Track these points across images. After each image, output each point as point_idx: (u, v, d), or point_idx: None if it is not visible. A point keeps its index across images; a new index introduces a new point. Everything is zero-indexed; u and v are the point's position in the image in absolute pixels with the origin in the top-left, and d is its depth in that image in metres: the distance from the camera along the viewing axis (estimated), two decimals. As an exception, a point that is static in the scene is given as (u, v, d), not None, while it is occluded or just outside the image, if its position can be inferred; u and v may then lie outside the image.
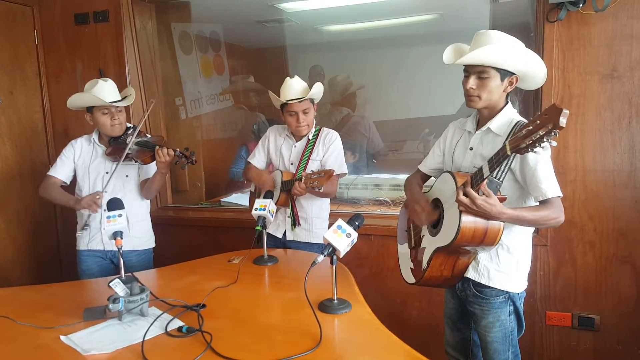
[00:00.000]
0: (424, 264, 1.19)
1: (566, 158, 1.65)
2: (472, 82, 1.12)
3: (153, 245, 1.78)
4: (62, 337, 1.01)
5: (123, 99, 1.67)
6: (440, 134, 1.35)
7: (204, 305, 1.12)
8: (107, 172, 1.65)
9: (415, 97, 3.09)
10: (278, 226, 1.71)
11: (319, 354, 0.91)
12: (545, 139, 0.91)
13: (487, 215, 1.04)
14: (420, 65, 2.92)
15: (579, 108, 1.62)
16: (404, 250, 1.36)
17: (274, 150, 1.73)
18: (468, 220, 1.06)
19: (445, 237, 1.12)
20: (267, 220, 1.43)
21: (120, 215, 1.19)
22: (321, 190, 1.49)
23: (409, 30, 3.00)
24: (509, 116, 1.15)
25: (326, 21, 3.01)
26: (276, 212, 1.50)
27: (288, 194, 1.61)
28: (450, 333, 1.36)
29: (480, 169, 1.04)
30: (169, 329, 1.02)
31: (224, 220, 2.18)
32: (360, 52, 3.14)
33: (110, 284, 1.07)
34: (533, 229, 1.23)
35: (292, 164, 1.68)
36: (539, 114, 0.93)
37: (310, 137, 1.68)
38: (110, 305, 1.04)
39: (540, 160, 1.08)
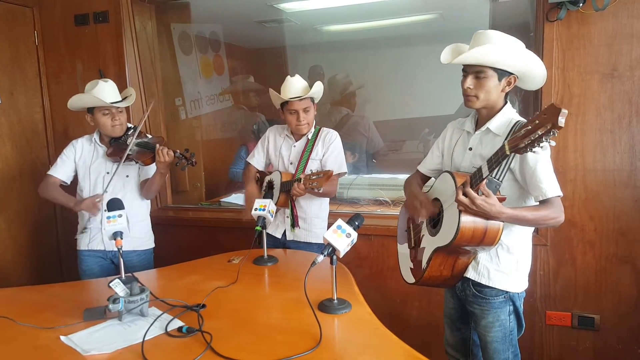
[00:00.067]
0: (424, 264, 1.19)
1: (566, 158, 1.65)
2: (470, 81, 1.12)
3: (153, 245, 1.78)
4: (62, 338, 1.01)
5: (123, 99, 1.67)
6: (440, 133, 1.35)
7: (204, 306, 1.12)
8: (107, 173, 1.65)
9: (415, 97, 3.09)
10: (277, 226, 1.71)
11: (319, 354, 0.91)
12: (544, 139, 0.91)
13: (486, 215, 1.04)
14: (420, 65, 2.92)
15: (579, 107, 1.62)
16: (403, 250, 1.36)
17: (273, 150, 1.73)
18: (467, 220, 1.06)
19: (444, 237, 1.12)
20: (266, 221, 1.43)
21: (120, 215, 1.19)
22: (320, 191, 1.49)
23: (409, 30, 3.00)
24: (508, 116, 1.15)
25: (326, 21, 3.01)
26: (275, 212, 1.51)
27: (287, 194, 1.61)
28: (450, 333, 1.36)
29: (480, 169, 1.04)
30: (169, 329, 1.02)
31: (223, 221, 2.18)
32: (360, 52, 3.14)
33: (110, 284, 1.07)
34: (533, 228, 1.23)
35: (291, 163, 1.68)
36: (537, 114, 0.93)
37: (310, 137, 1.68)
38: (110, 306, 1.04)
39: (540, 160, 1.08)
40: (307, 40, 3.23)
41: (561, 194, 1.09)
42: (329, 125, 1.83)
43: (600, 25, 1.56)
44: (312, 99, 1.63)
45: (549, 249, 1.70)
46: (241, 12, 2.81)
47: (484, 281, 1.18)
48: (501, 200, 1.04)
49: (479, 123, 1.21)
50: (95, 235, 1.68)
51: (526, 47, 1.13)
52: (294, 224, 1.66)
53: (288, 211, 1.67)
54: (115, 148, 1.65)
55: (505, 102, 1.18)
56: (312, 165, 1.66)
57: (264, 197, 1.52)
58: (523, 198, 1.15)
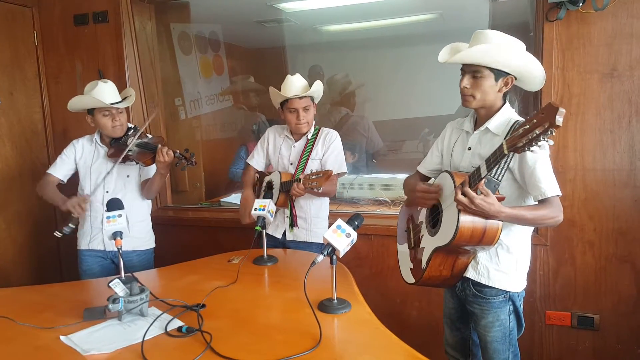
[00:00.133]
0: (423, 264, 1.19)
1: (566, 157, 1.65)
2: (466, 81, 1.13)
3: (153, 245, 1.78)
4: (62, 337, 1.01)
5: (123, 99, 1.67)
6: (439, 133, 1.35)
7: (203, 305, 1.12)
8: (108, 173, 1.65)
9: (414, 96, 3.09)
10: (277, 226, 1.71)
11: (319, 353, 0.91)
12: (541, 138, 0.90)
13: (485, 215, 1.04)
14: (420, 65, 2.92)
15: (578, 107, 1.62)
16: (403, 250, 1.36)
17: (273, 151, 1.73)
18: (466, 219, 1.06)
19: (444, 236, 1.13)
20: (266, 220, 1.43)
21: (120, 215, 1.19)
22: (320, 191, 1.49)
23: (409, 30, 3.00)
24: (507, 116, 1.15)
25: (325, 21, 3.01)
26: (275, 212, 1.51)
27: (287, 194, 1.61)
28: (450, 333, 1.36)
29: (478, 169, 1.05)
30: (168, 329, 1.02)
31: (223, 221, 2.18)
32: (360, 51, 3.13)
33: (110, 284, 1.07)
34: (532, 228, 1.23)
35: (291, 163, 1.69)
36: (535, 113, 0.93)
37: (310, 137, 1.68)
38: (110, 306, 1.05)
39: (539, 160, 1.08)
40: (307, 40, 3.23)
41: (560, 193, 1.09)
42: (329, 125, 1.83)
43: (599, 25, 1.56)
44: (312, 99, 1.63)
45: (548, 249, 1.70)
46: (241, 12, 2.81)
47: (483, 281, 1.18)
48: (500, 199, 1.04)
49: (477, 123, 1.21)
50: (96, 235, 1.68)
51: (526, 47, 1.13)
52: (293, 224, 1.66)
53: (287, 211, 1.67)
54: (116, 149, 1.65)
55: (504, 102, 1.18)
56: (312, 165, 1.66)
57: (264, 197, 1.52)
58: (522, 197, 1.15)
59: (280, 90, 1.60)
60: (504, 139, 1.02)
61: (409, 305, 1.91)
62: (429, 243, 1.19)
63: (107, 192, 1.65)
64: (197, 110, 2.80)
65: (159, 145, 1.57)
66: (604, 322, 1.68)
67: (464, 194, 1.03)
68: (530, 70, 1.11)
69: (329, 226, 1.09)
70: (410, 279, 1.28)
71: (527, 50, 1.13)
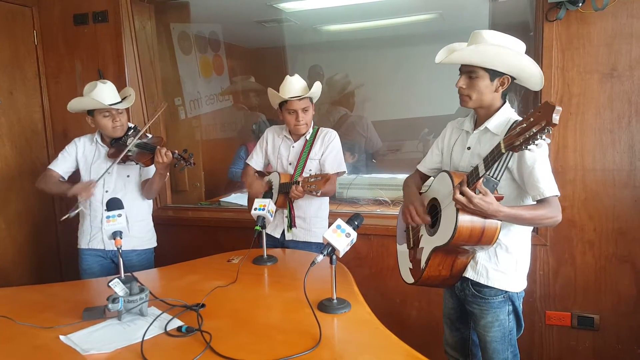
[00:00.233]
0: (422, 264, 1.19)
1: (566, 157, 1.65)
2: (462, 81, 1.14)
3: (154, 245, 1.79)
4: (61, 337, 1.01)
5: (123, 99, 1.67)
6: (439, 133, 1.35)
7: (203, 305, 1.12)
8: (109, 173, 1.65)
9: (414, 96, 3.09)
10: (276, 226, 1.71)
11: (319, 353, 0.91)
12: (538, 136, 0.91)
13: (483, 214, 1.04)
14: (420, 65, 2.92)
15: (578, 107, 1.62)
16: (402, 250, 1.36)
17: (271, 151, 1.73)
18: (465, 219, 1.06)
19: (442, 236, 1.13)
20: (266, 220, 1.43)
21: (120, 215, 1.19)
22: (318, 194, 1.50)
23: (408, 30, 3.00)
24: (507, 115, 1.16)
25: (325, 21, 3.00)
26: (274, 212, 1.51)
27: (286, 196, 1.61)
28: (449, 333, 1.36)
29: (476, 168, 1.05)
30: (168, 329, 1.02)
31: (223, 220, 2.18)
32: (360, 51, 3.13)
33: (110, 284, 1.07)
34: (532, 228, 1.23)
35: (290, 163, 1.69)
36: (532, 112, 0.93)
37: (308, 138, 1.68)
38: (110, 305, 1.05)
39: (538, 159, 1.08)
40: (307, 40, 3.23)
41: (559, 193, 1.09)
42: (328, 125, 1.83)
43: (599, 25, 1.56)
44: (310, 99, 1.63)
45: (548, 249, 1.70)
46: (241, 11, 2.81)
47: (482, 281, 1.18)
48: (499, 199, 1.04)
49: (477, 122, 1.22)
50: (95, 235, 1.69)
51: (526, 47, 1.13)
52: (291, 224, 1.66)
53: (286, 212, 1.67)
54: (116, 149, 1.65)
55: (504, 102, 1.18)
56: (311, 165, 1.66)
57: (263, 197, 1.52)
58: (521, 197, 1.15)
59: (279, 91, 1.60)
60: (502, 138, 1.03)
61: (409, 305, 1.91)
62: (428, 243, 1.19)
63: (106, 191, 1.65)
64: (197, 110, 2.80)
65: (158, 147, 1.57)
66: (604, 322, 1.68)
67: (462, 193, 1.03)
68: (525, 70, 1.11)
69: (329, 226, 1.09)
70: (409, 279, 1.28)
71: (527, 50, 1.14)
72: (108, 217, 1.18)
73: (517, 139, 0.94)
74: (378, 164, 2.76)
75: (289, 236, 1.69)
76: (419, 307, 1.90)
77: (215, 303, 1.15)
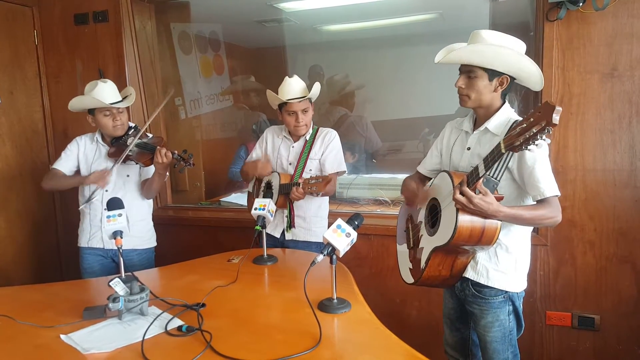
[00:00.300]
0: (422, 264, 1.19)
1: (566, 157, 1.64)
2: (461, 81, 1.14)
3: (154, 244, 1.79)
4: (62, 336, 1.01)
5: (123, 99, 1.67)
6: (439, 133, 1.35)
7: (203, 305, 1.12)
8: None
9: (414, 96, 3.09)
10: (276, 226, 1.71)
11: (319, 353, 0.91)
12: (539, 136, 0.91)
13: (483, 214, 1.04)
14: (420, 65, 2.92)
15: (579, 107, 1.62)
16: (402, 250, 1.36)
17: (271, 151, 1.73)
18: (465, 219, 1.06)
19: (442, 236, 1.12)
20: (266, 220, 1.43)
21: (120, 214, 1.19)
22: (319, 195, 1.50)
23: (409, 30, 3.00)
24: (507, 115, 1.16)
25: (325, 21, 3.00)
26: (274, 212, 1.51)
27: (286, 196, 1.61)
28: (449, 333, 1.36)
29: (476, 168, 1.05)
30: (168, 328, 1.02)
31: (223, 220, 2.18)
32: (360, 51, 3.13)
33: (110, 283, 1.07)
34: (532, 228, 1.23)
35: (290, 164, 1.69)
36: (532, 112, 0.93)
37: (308, 138, 1.68)
38: (110, 305, 1.05)
39: (538, 159, 1.08)
40: (307, 40, 3.23)
41: (559, 193, 1.09)
42: (327, 125, 1.83)
43: (600, 25, 1.56)
44: (310, 100, 1.63)
45: (549, 249, 1.70)
46: (241, 11, 2.81)
47: (482, 281, 1.18)
48: (499, 199, 1.04)
49: (477, 123, 1.22)
50: (95, 234, 1.69)
51: (526, 47, 1.13)
52: (291, 225, 1.66)
53: (286, 211, 1.67)
54: (117, 148, 1.66)
55: (504, 102, 1.18)
56: (311, 165, 1.66)
57: (264, 197, 1.52)
58: (521, 197, 1.15)
59: (278, 92, 1.60)
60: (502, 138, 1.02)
61: (409, 305, 1.91)
62: (428, 243, 1.19)
63: (106, 191, 1.65)
64: (197, 110, 2.80)
65: (157, 147, 1.57)
66: (604, 323, 1.68)
67: (462, 193, 1.03)
68: (524, 69, 1.11)
69: (329, 226, 1.09)
70: (409, 279, 1.28)
71: (527, 49, 1.14)
72: (108, 216, 1.19)
73: (517, 139, 0.94)
74: (378, 164, 2.76)
75: (289, 236, 1.69)
76: (419, 307, 1.90)
77: (215, 303, 1.15)
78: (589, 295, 1.69)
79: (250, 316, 1.11)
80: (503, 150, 0.98)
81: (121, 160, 1.60)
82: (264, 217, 1.42)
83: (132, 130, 1.68)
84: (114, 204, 1.24)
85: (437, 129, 1.39)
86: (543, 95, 1.63)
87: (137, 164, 1.65)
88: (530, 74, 1.12)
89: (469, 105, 1.17)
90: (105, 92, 1.61)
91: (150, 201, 1.80)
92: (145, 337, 0.97)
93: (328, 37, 3.17)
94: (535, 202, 1.11)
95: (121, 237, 1.17)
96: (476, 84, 1.12)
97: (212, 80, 2.97)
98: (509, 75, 1.12)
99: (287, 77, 1.61)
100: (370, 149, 2.72)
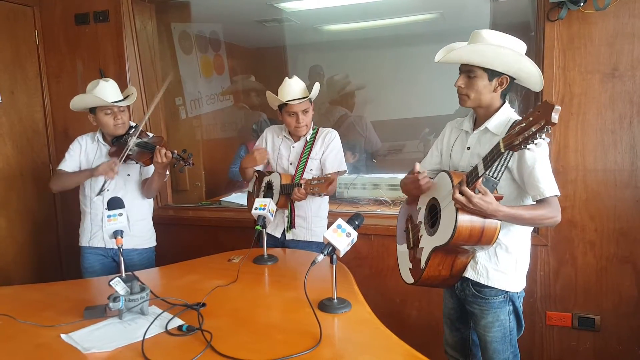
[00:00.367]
0: (422, 264, 1.19)
1: (567, 157, 1.64)
2: (461, 81, 1.14)
3: (155, 244, 1.79)
4: (62, 336, 1.01)
5: (125, 98, 1.68)
6: (440, 133, 1.35)
7: (204, 304, 1.12)
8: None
9: (415, 96, 3.09)
10: (277, 226, 1.71)
11: (319, 353, 0.91)
12: (537, 136, 0.90)
13: (483, 213, 1.04)
14: (421, 65, 2.92)
15: (579, 107, 1.61)
16: (402, 250, 1.36)
17: (271, 151, 1.73)
18: (464, 219, 1.06)
19: (442, 236, 1.12)
20: (267, 220, 1.43)
21: (121, 214, 1.19)
22: (321, 196, 1.50)
23: (409, 30, 3.00)
24: (507, 115, 1.15)
25: (326, 21, 3.00)
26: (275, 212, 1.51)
27: (287, 197, 1.61)
28: (450, 333, 1.36)
29: (475, 167, 1.05)
30: (169, 328, 1.02)
31: (224, 220, 2.18)
32: (360, 51, 3.13)
33: (111, 283, 1.07)
34: (532, 228, 1.23)
35: (291, 163, 1.69)
36: (531, 111, 0.93)
37: (308, 138, 1.68)
38: (111, 304, 1.05)
39: (538, 159, 1.08)
40: (307, 40, 3.22)
41: (559, 193, 1.09)
42: (327, 125, 1.83)
43: (601, 25, 1.55)
44: (310, 100, 1.63)
45: (549, 249, 1.70)
46: (241, 11, 2.81)
47: (482, 281, 1.18)
48: (498, 198, 1.04)
49: (477, 122, 1.22)
50: (96, 233, 1.69)
51: (527, 47, 1.13)
52: (291, 225, 1.66)
53: (287, 211, 1.67)
54: (118, 147, 1.66)
55: (504, 102, 1.18)
56: (312, 165, 1.66)
57: (264, 197, 1.52)
58: (521, 197, 1.15)
59: (278, 93, 1.60)
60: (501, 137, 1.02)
61: (409, 305, 1.91)
62: (427, 243, 1.19)
63: (107, 190, 1.65)
64: (197, 110, 2.81)
65: (157, 147, 1.57)
66: (604, 323, 1.68)
67: (461, 192, 1.03)
68: (524, 70, 1.11)
69: (329, 226, 1.09)
70: (409, 279, 1.28)
71: (528, 49, 1.14)
72: (109, 216, 1.19)
73: (516, 138, 0.94)
74: (378, 164, 2.76)
75: (289, 236, 1.69)
76: (419, 307, 1.90)
77: (215, 302, 1.15)
78: (589, 296, 1.68)
79: (250, 316, 1.11)
80: (502, 150, 0.98)
81: (122, 159, 1.60)
82: (264, 217, 1.42)
83: (133, 129, 1.68)
84: (115, 203, 1.24)
85: (438, 129, 1.39)
86: (544, 95, 1.63)
87: (137, 163, 1.65)
88: (530, 74, 1.12)
89: (468, 105, 1.17)
90: (107, 90, 1.61)
91: (151, 201, 1.80)
92: (146, 337, 0.98)
93: (328, 37, 3.17)
94: (534, 202, 1.11)
95: (121, 237, 1.17)
96: (476, 83, 1.12)
97: (212, 80, 2.97)
98: (509, 76, 1.12)
99: (286, 78, 1.61)
100: (370, 149, 2.72)
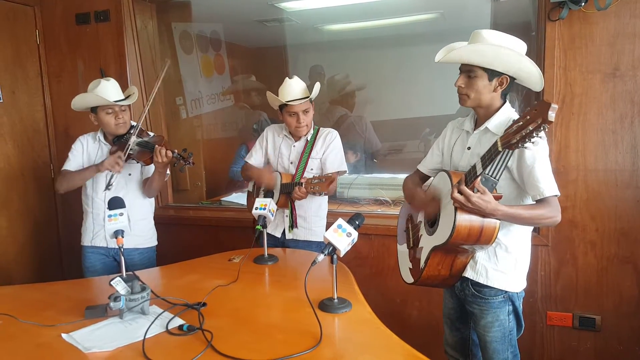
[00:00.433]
0: (422, 263, 1.19)
1: (568, 157, 1.64)
2: (461, 80, 1.14)
3: (155, 243, 1.79)
4: (63, 335, 1.01)
5: (126, 97, 1.68)
6: (440, 133, 1.35)
7: (204, 304, 1.12)
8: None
9: (416, 96, 3.09)
10: (277, 225, 1.71)
11: (319, 352, 0.91)
12: (535, 134, 0.90)
13: (482, 213, 1.04)
14: (421, 65, 2.92)
15: (580, 107, 1.61)
16: (403, 250, 1.36)
17: (272, 150, 1.73)
18: (463, 218, 1.06)
19: (441, 235, 1.12)
20: (267, 220, 1.44)
21: (122, 214, 1.19)
22: (322, 195, 1.50)
23: (410, 30, 3.00)
24: (507, 115, 1.15)
25: (326, 20, 3.00)
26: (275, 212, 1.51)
27: (287, 196, 1.61)
28: (450, 333, 1.36)
29: (474, 166, 1.05)
30: (169, 328, 1.02)
31: (224, 220, 2.19)
32: (361, 51, 3.13)
33: (112, 282, 1.08)
34: (532, 228, 1.23)
35: (291, 163, 1.69)
36: (528, 110, 0.93)
37: (309, 138, 1.68)
38: (112, 304, 1.05)
39: (538, 159, 1.08)
40: (308, 40, 3.22)
41: (558, 193, 1.09)
42: (327, 125, 1.84)
43: (602, 25, 1.55)
44: (310, 100, 1.64)
45: (550, 249, 1.70)
46: (242, 11, 2.81)
47: (482, 280, 1.18)
48: (497, 198, 1.04)
49: (477, 122, 1.22)
50: (98, 232, 1.69)
51: (528, 47, 1.13)
52: (293, 225, 1.66)
53: (287, 211, 1.68)
54: (119, 147, 1.66)
55: (504, 102, 1.18)
56: (313, 164, 1.66)
57: (265, 197, 1.52)
58: (521, 197, 1.15)
59: (278, 94, 1.60)
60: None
61: (410, 305, 1.91)
62: (427, 242, 1.19)
63: (109, 190, 1.66)
64: (198, 110, 2.81)
65: (157, 146, 1.57)
66: (605, 323, 1.67)
67: (460, 192, 1.03)
68: (524, 69, 1.11)
69: (329, 225, 1.09)
70: (409, 278, 1.28)
71: (529, 49, 1.13)
72: (110, 215, 1.19)
73: (513, 137, 0.94)
74: (379, 164, 2.76)
75: (289, 235, 1.69)
76: (420, 307, 1.90)
77: (216, 302, 1.15)
78: (590, 296, 1.68)
79: (251, 316, 1.11)
80: (500, 148, 0.98)
81: (123, 160, 1.60)
82: (264, 217, 1.43)
83: (133, 129, 1.68)
84: (115, 203, 1.24)
85: (438, 128, 1.39)
86: (545, 95, 1.63)
87: (138, 162, 1.66)
88: (530, 74, 1.12)
89: (468, 105, 1.17)
90: (108, 90, 1.61)
91: (152, 200, 1.80)
92: (146, 336, 0.98)
93: (329, 37, 3.17)
94: (534, 202, 1.10)
95: (122, 237, 1.17)
96: (475, 83, 1.12)
97: (213, 79, 2.98)
98: (509, 76, 1.12)
99: (287, 78, 1.61)
100: (369, 150, 2.72)
